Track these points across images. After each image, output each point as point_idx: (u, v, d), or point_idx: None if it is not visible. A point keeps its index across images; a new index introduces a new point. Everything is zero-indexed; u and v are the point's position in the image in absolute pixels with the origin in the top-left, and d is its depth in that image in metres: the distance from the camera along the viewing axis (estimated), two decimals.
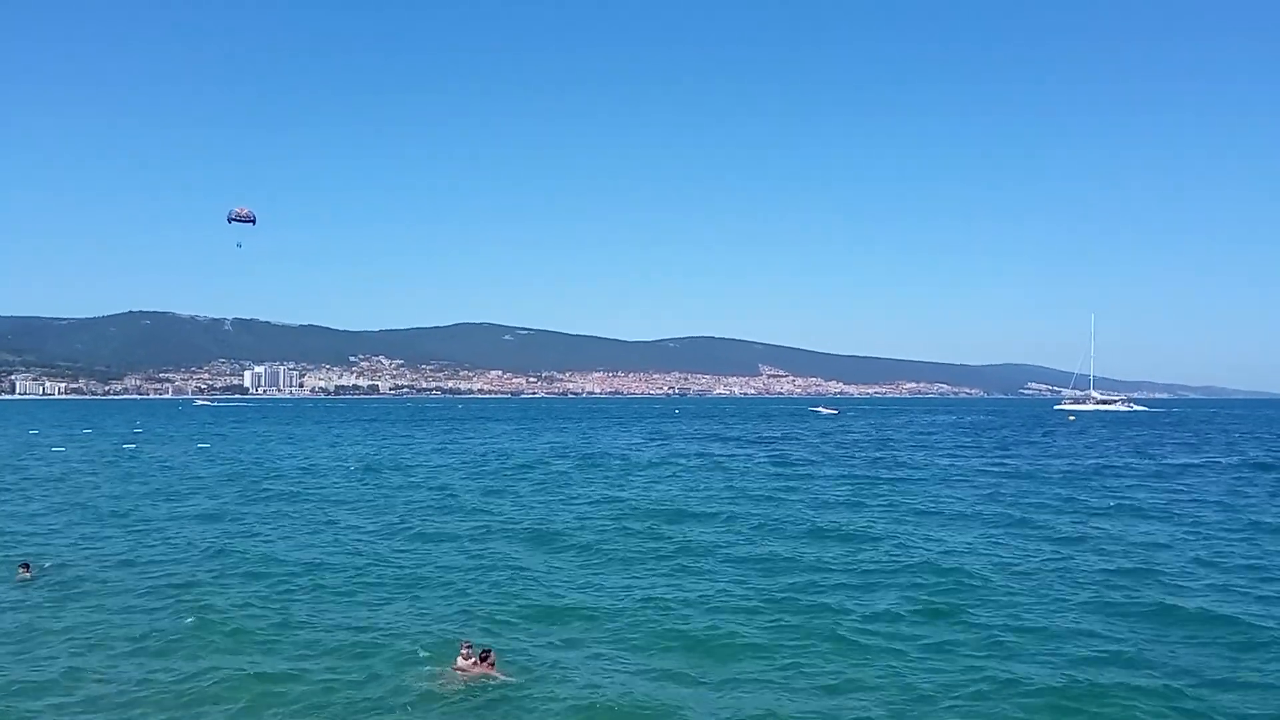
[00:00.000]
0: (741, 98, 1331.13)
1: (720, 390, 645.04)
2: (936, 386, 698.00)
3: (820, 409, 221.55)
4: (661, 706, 15.12)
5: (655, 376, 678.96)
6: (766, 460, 64.40)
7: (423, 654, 17.53)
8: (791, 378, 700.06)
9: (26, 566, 24.45)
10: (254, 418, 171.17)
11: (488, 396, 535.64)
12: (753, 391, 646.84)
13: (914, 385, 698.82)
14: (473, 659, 16.62)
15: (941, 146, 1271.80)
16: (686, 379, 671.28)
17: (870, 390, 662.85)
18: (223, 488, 47.38)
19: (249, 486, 47.79)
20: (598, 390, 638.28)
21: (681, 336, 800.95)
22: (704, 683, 16.33)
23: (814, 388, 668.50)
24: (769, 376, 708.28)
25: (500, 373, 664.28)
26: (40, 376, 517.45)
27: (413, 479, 51.85)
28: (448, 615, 20.72)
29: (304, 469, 58.95)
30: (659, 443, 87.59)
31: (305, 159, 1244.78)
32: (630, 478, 52.29)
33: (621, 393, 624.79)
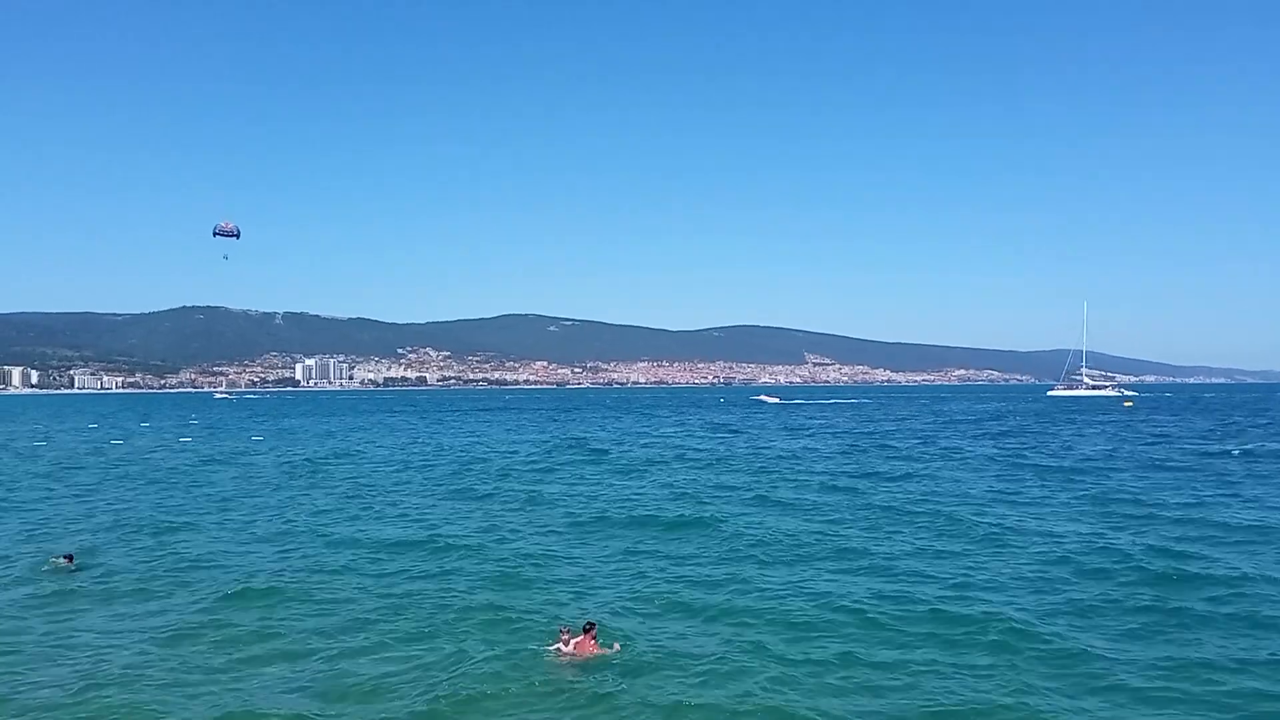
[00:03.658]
0: (785, 87, 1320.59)
1: (765, 379, 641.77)
2: (985, 373, 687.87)
3: (763, 397, 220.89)
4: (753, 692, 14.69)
5: (700, 366, 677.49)
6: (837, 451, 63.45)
7: (529, 639, 17.35)
8: (838, 365, 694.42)
9: (70, 558, 24.65)
10: (319, 410, 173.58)
11: (533, 387, 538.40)
12: (798, 380, 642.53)
13: (963, 372, 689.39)
14: (573, 641, 16.52)
15: (991, 133, 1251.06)
16: (731, 368, 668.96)
17: (918, 378, 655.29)
18: (309, 477, 47.82)
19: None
20: (642, 380, 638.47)
21: (726, 326, 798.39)
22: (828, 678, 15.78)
23: (861, 375, 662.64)
24: (814, 365, 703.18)
25: (545, 363, 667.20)
26: (98, 371, 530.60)
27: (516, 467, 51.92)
28: (560, 601, 20.50)
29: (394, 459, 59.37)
30: (738, 435, 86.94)
31: (353, 154, 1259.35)
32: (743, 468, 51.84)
33: (666, 382, 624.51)
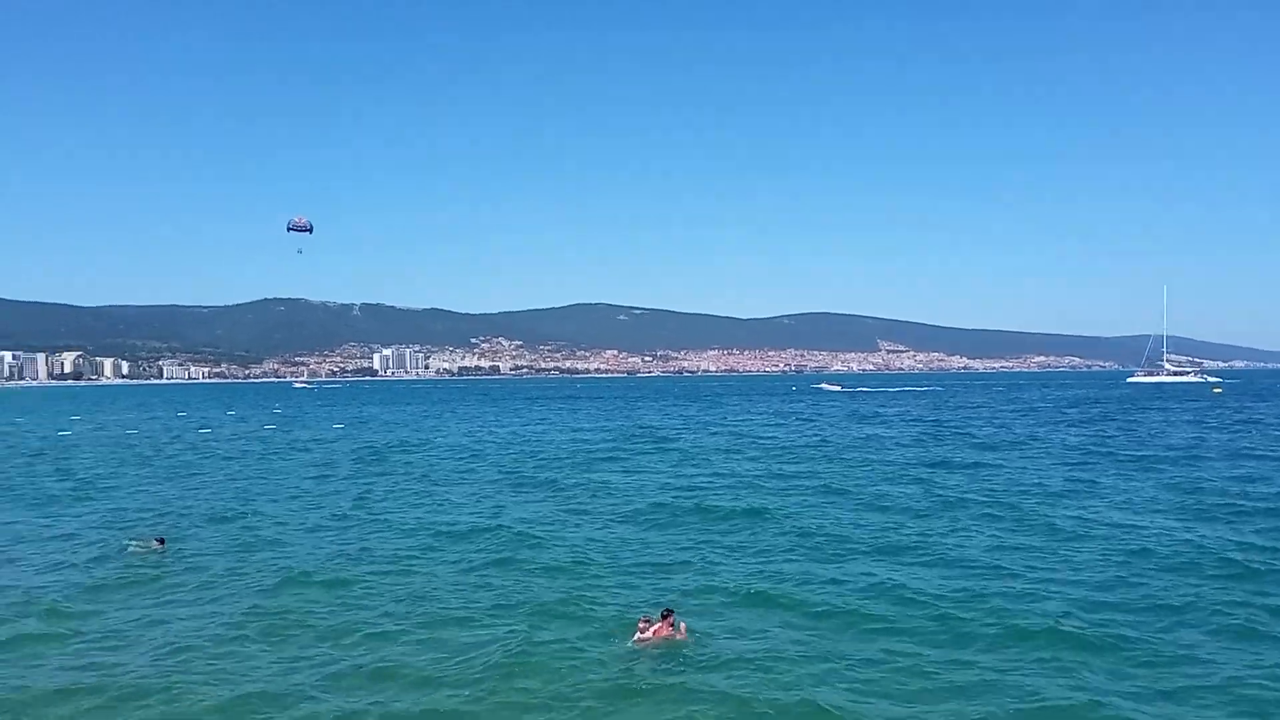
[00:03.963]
0: (859, 74, 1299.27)
1: (837, 366, 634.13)
2: (1067, 359, 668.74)
3: (824, 385, 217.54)
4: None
5: (770, 354, 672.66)
6: (910, 441, 62.60)
7: (618, 627, 17.43)
8: (912, 353, 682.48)
9: (161, 541, 25.57)
10: (396, 399, 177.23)
11: (603, 376, 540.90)
12: (871, 367, 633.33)
13: (1042, 359, 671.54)
14: (650, 626, 16.62)
15: (1073, 116, 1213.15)
16: (803, 356, 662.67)
17: (996, 365, 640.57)
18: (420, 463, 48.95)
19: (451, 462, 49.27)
20: (712, 368, 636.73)
21: (797, 313, 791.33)
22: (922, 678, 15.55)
23: (936, 363, 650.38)
24: (888, 352, 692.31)
25: (616, 352, 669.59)
26: (185, 362, 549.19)
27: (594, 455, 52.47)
28: (630, 586, 20.67)
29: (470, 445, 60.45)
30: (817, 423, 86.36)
31: (427, 148, 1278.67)
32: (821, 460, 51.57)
33: (736, 370, 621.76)
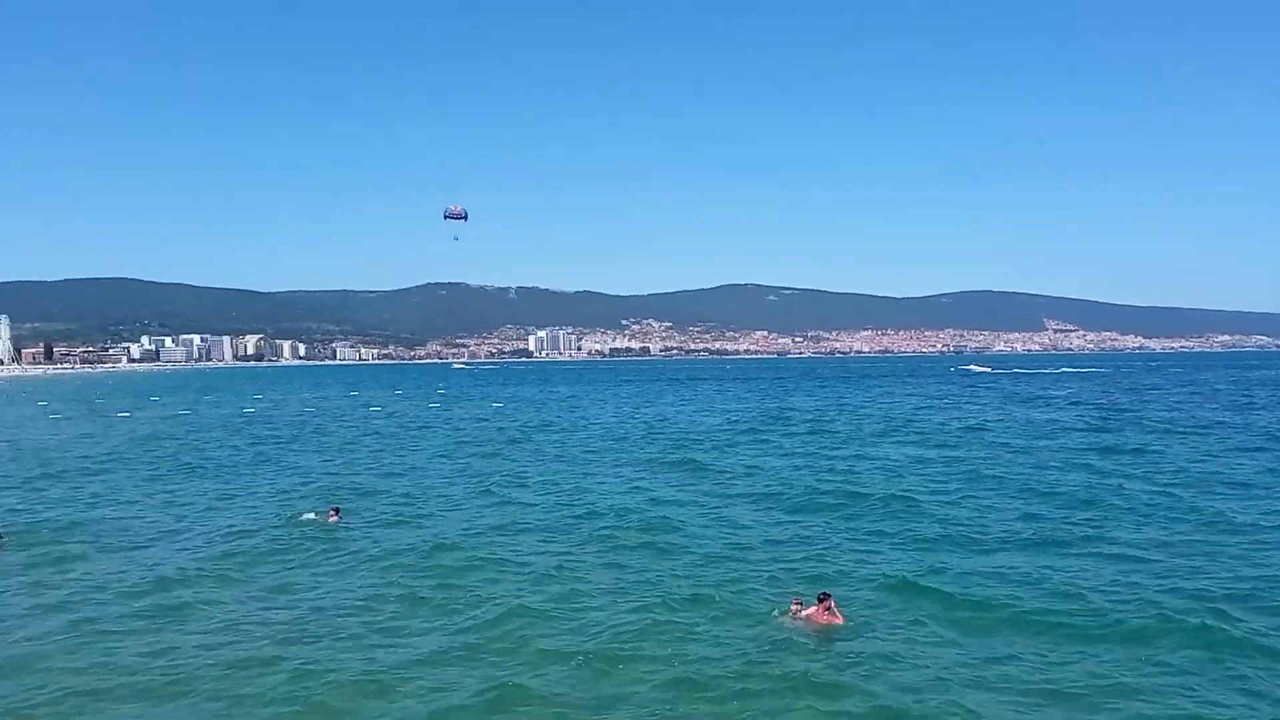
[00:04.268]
0: (1037, 44, 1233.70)
1: (1000, 347, 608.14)
2: (1254, 339, 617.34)
3: (972, 367, 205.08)
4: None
5: (928, 334, 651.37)
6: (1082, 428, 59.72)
7: (770, 609, 17.48)
8: (1082, 332, 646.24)
9: (337, 511, 27.28)
10: (550, 379, 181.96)
11: (752, 357, 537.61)
12: (1037, 348, 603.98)
13: (1226, 338, 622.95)
14: (805, 610, 16.62)
15: (1254, 83, 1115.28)
16: (962, 336, 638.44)
17: (1174, 344, 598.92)
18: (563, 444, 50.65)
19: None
20: (866, 349, 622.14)
21: (956, 291, 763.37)
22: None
23: (1108, 342, 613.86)
24: (1055, 331, 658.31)
25: (765, 333, 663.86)
26: (356, 344, 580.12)
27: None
28: (787, 565, 20.75)
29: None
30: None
31: (577, 135, 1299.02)
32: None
33: (891, 351, 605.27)
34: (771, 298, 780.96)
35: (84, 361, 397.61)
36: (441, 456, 45.07)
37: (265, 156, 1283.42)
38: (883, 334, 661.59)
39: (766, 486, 32.99)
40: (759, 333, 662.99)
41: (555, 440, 52.84)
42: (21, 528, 26.49)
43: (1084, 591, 18.55)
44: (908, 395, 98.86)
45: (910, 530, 24.96)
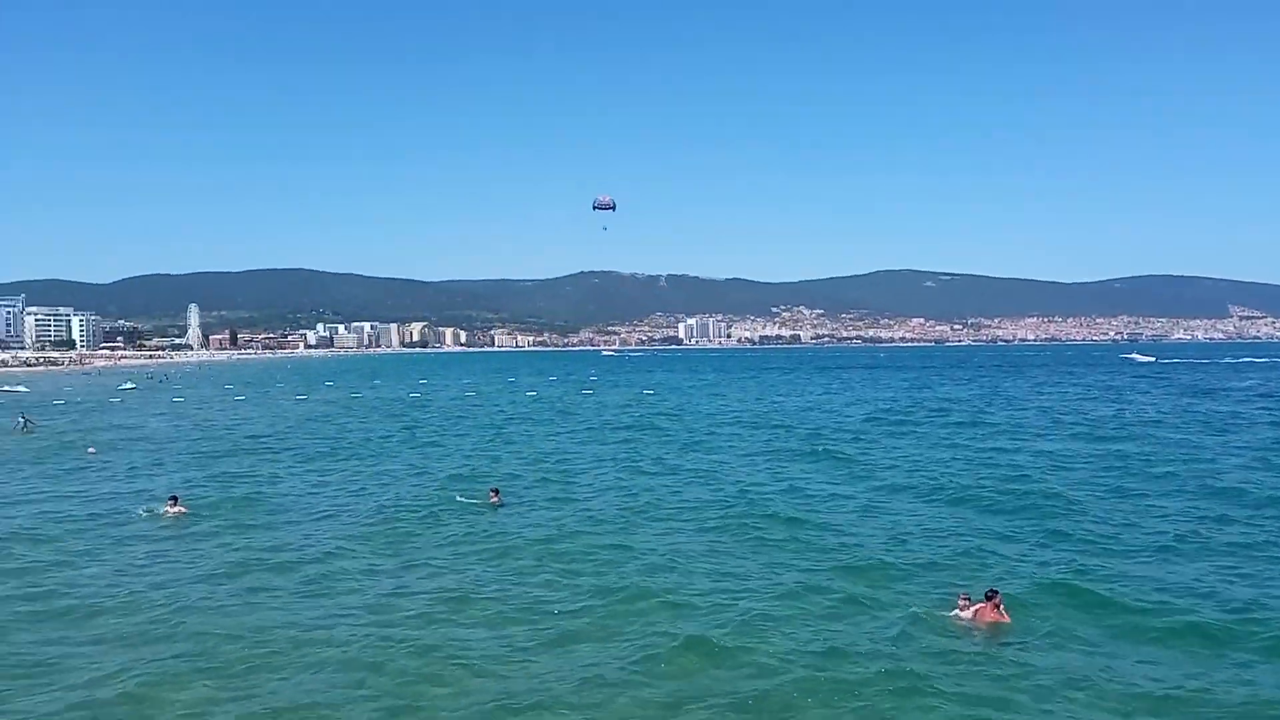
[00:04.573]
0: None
1: (1179, 334, 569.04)
2: None
3: (1135, 355, 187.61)
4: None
5: (1098, 321, 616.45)
6: None
7: (935, 604, 16.96)
8: (1271, 319, 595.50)
9: (496, 492, 28.21)
10: (700, 366, 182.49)
11: (908, 345, 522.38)
12: (1220, 336, 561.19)
13: None
14: (973, 607, 16.06)
15: None
16: (1136, 323, 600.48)
17: None
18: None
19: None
20: (1030, 337, 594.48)
21: (1129, 276, 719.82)
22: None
23: None
24: (1240, 318, 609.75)
25: (922, 320, 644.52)
26: (513, 331, 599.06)
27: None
28: (952, 568, 19.81)
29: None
30: None
31: (723, 115, 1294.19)
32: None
33: (1058, 339, 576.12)
34: (929, 283, 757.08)
35: (265, 347, 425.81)
36: (594, 441, 45.92)
37: (429, 154, 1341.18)
38: (1049, 321, 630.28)
39: (919, 479, 31.93)
40: (915, 320, 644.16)
41: (702, 427, 52.96)
42: (202, 499, 28.53)
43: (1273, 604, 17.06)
44: (1071, 385, 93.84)
45: (1072, 528, 23.46)
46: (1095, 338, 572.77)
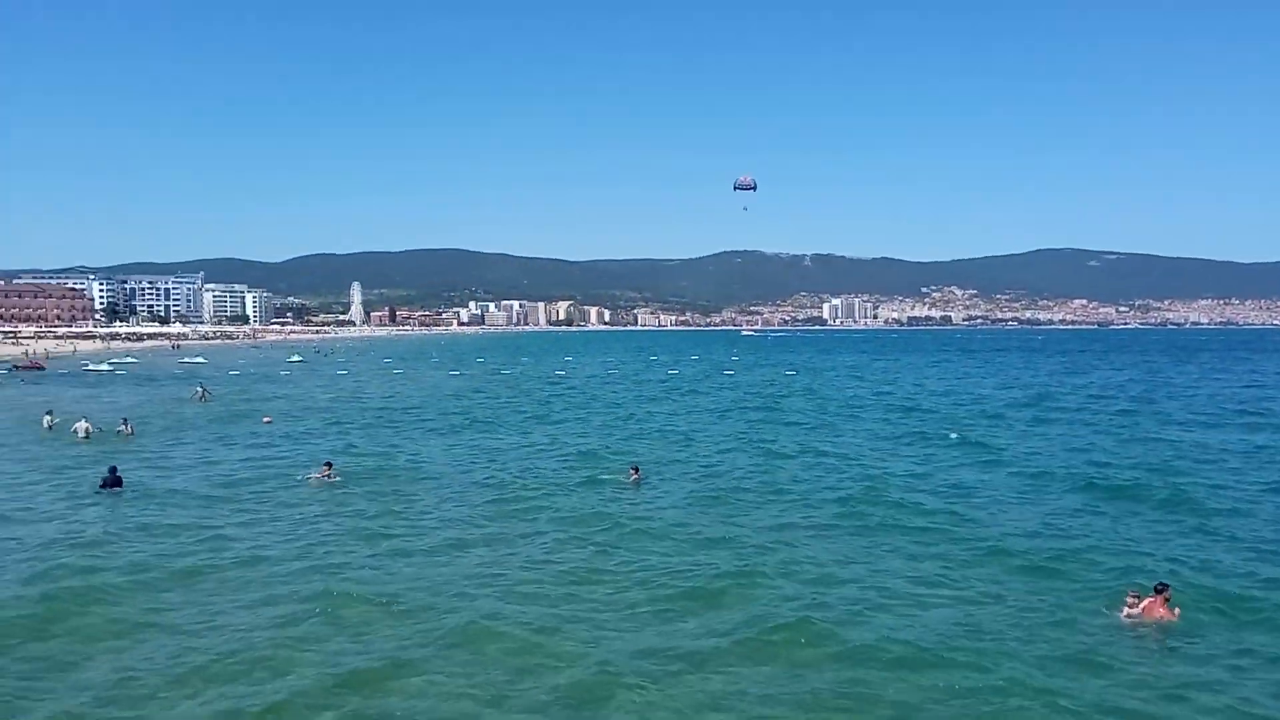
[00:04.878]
0: None
1: None
2: None
3: None
4: None
5: None
6: None
7: (1105, 601, 16.06)
8: None
9: (636, 469, 28.47)
10: (842, 348, 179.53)
11: (1068, 328, 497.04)
12: None
13: None
14: (1140, 604, 15.22)
15: None
16: None
17: None
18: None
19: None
20: (1204, 320, 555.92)
21: None
22: None
23: None
24: None
25: (1084, 302, 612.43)
26: (656, 311, 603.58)
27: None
28: (1111, 568, 18.32)
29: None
30: None
31: (872, 96, 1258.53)
32: None
33: (1234, 323, 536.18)
34: (1093, 263, 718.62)
35: (421, 324, 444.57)
36: (731, 421, 45.72)
37: (579, 138, 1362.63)
38: (1224, 303, 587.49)
39: (1076, 467, 30.28)
40: (1077, 301, 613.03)
41: (840, 409, 52.09)
42: (355, 466, 29.93)
43: None
44: (1248, 373, 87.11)
45: (1240, 529, 21.74)
46: (1277, 322, 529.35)
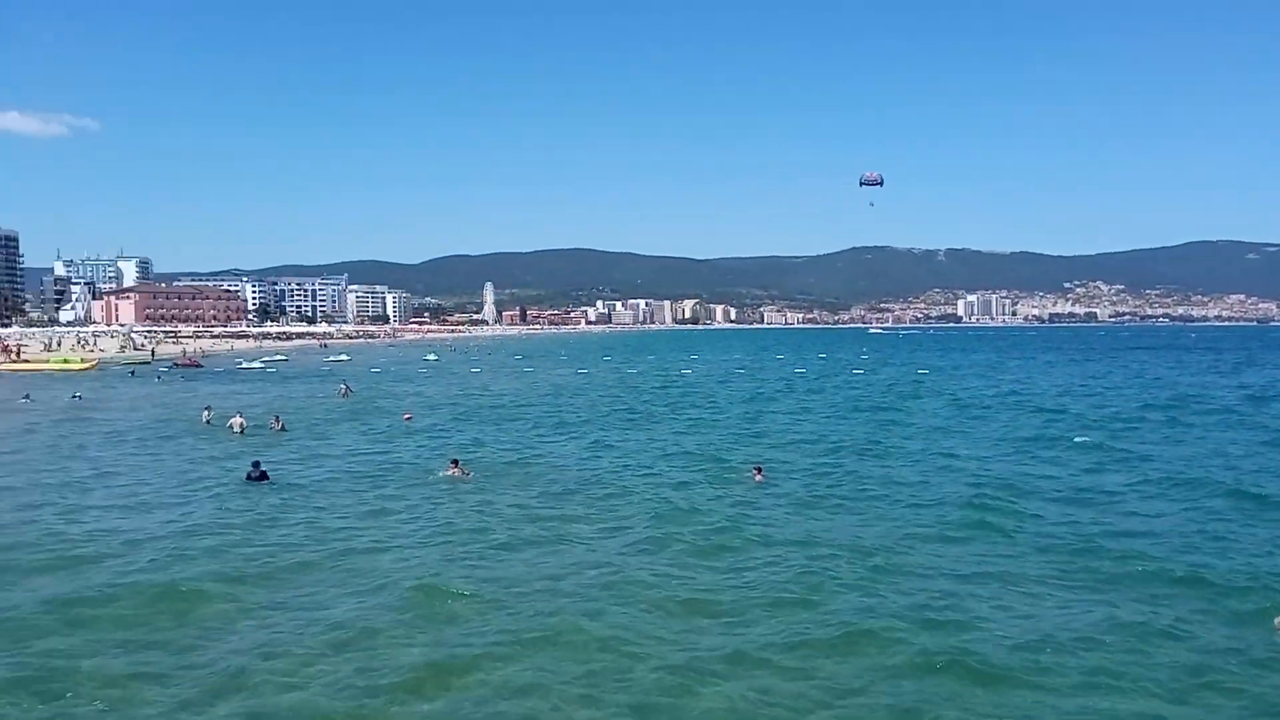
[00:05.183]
0: None
1: None
2: None
3: None
4: None
5: None
6: None
7: (1241, 610, 15.34)
8: None
9: (759, 470, 28.22)
10: (978, 346, 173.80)
11: (1225, 325, 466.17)
12: None
13: None
14: None
15: None
16: None
17: None
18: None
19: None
20: None
21: None
22: None
23: None
24: None
25: (1243, 297, 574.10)
26: (782, 308, 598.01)
27: None
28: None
29: None
30: None
31: (1006, 82, 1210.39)
32: None
33: None
34: (1252, 255, 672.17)
35: (550, 323, 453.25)
36: (860, 422, 44.78)
37: (704, 134, 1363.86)
38: None
39: (1235, 476, 28.42)
40: (1234, 296, 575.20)
41: (972, 410, 50.34)
42: (482, 461, 30.74)
43: None
44: None
45: None
46: None
